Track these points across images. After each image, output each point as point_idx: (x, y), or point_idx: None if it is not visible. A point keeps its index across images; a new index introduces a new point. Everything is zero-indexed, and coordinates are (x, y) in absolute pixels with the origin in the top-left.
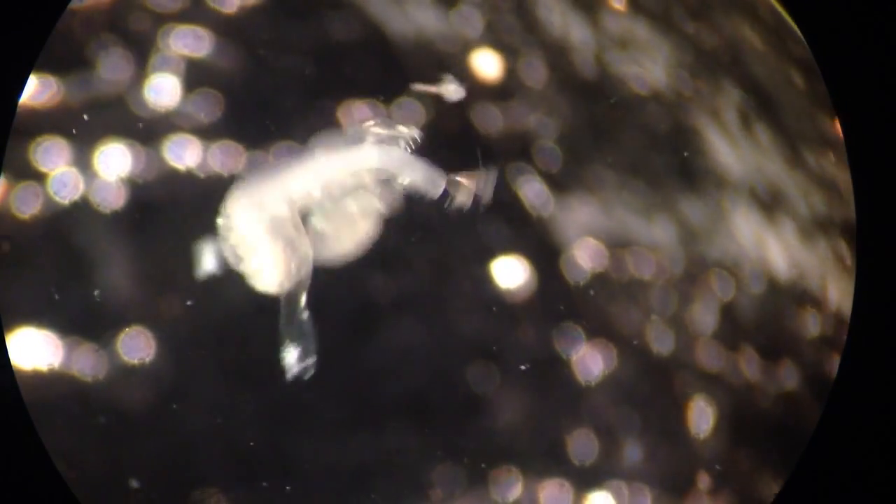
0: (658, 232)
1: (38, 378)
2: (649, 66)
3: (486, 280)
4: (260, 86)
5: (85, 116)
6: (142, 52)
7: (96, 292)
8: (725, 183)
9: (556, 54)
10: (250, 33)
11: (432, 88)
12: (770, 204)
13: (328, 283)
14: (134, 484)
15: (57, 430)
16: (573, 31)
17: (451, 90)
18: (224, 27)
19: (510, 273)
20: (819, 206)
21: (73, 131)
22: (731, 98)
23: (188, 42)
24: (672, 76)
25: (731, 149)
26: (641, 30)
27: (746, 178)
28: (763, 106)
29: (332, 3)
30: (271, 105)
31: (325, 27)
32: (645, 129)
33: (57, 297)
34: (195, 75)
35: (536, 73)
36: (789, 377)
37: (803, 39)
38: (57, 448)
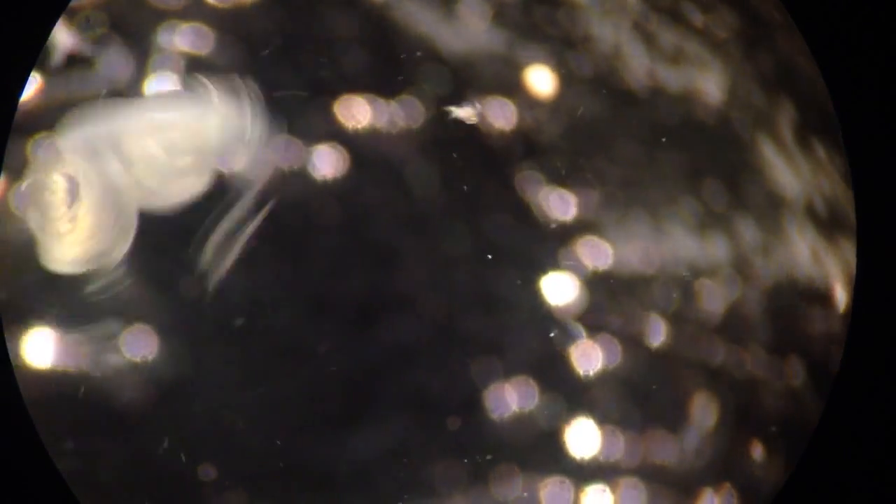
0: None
1: (37, 376)
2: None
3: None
4: (260, 83)
5: None
6: (142, 50)
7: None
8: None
9: (607, 69)
10: (250, 30)
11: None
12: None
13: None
14: None
15: (56, 430)
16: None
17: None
18: (225, 24)
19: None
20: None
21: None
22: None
23: (188, 39)
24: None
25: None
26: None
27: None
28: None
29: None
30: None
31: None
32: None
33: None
34: (195, 73)
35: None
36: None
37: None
38: (55, 447)
